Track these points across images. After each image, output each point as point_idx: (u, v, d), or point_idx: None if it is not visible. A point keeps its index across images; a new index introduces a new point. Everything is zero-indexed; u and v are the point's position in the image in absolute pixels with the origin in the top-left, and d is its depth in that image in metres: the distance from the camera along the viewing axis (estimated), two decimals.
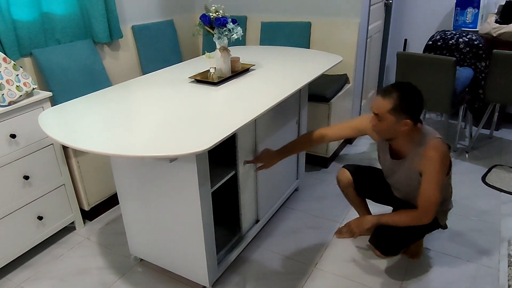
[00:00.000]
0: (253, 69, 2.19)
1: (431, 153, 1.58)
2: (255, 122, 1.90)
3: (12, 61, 1.94)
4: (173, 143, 1.35)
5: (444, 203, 1.81)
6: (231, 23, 1.96)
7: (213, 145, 1.31)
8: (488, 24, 3.07)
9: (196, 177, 1.54)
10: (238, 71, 2.10)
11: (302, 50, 2.67)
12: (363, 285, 1.87)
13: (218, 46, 2.00)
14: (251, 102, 1.69)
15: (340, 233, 1.79)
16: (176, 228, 1.75)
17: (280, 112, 2.12)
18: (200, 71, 2.13)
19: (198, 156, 1.50)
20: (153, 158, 1.33)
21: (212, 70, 2.01)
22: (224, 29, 1.94)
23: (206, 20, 1.95)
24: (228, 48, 2.03)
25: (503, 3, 3.14)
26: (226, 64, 2.04)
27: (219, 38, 1.97)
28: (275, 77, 2.03)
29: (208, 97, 1.79)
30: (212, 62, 2.04)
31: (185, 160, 1.53)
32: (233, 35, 1.97)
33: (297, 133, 2.39)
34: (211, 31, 1.98)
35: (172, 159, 1.49)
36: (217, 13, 1.95)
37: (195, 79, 2.02)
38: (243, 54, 2.52)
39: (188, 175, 1.56)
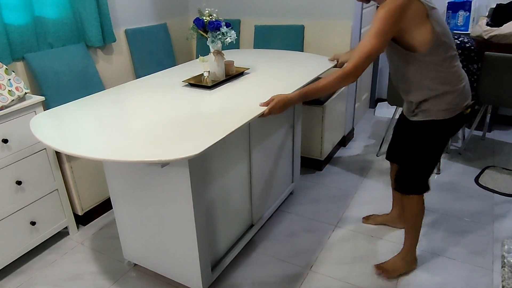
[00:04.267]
0: (247, 73, 2.19)
1: (387, 0, 1.43)
2: (249, 126, 1.90)
3: (4, 66, 1.93)
4: (164, 147, 1.34)
5: (442, 86, 1.57)
6: (224, 27, 1.95)
7: (204, 150, 1.30)
8: (480, 26, 3.10)
9: (189, 183, 1.53)
10: (232, 75, 2.10)
11: (296, 53, 2.68)
12: (358, 287, 1.87)
13: (212, 50, 2.00)
14: (245, 106, 1.68)
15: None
16: (169, 234, 1.73)
17: (275, 116, 2.12)
18: (194, 75, 2.12)
19: (191, 161, 1.49)
20: (144, 163, 1.31)
21: (205, 74, 2.01)
22: (218, 32, 1.94)
23: (199, 23, 1.95)
24: (222, 51, 2.03)
25: (494, 6, 3.17)
26: (220, 68, 2.04)
27: (212, 41, 1.97)
28: (270, 81, 2.03)
29: (201, 101, 1.79)
30: (205, 65, 2.03)
31: (178, 165, 1.52)
32: (226, 38, 1.96)
33: (292, 136, 2.39)
34: (204, 34, 1.98)
35: (164, 164, 1.48)
36: (210, 17, 1.95)
37: (189, 83, 2.02)
38: (238, 58, 2.51)
39: (181, 180, 1.55)
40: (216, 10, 2.00)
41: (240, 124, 1.49)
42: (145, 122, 1.56)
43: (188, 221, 1.63)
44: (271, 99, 1.60)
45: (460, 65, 1.62)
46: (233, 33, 1.98)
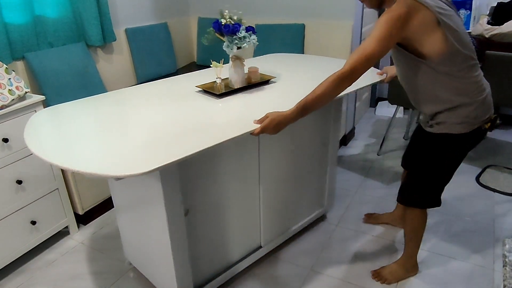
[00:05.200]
0: (273, 82, 1.98)
1: (392, 7, 1.35)
2: (258, 140, 1.72)
3: (4, 65, 1.92)
4: (128, 159, 1.26)
5: (457, 97, 1.46)
6: (243, 31, 1.77)
7: (155, 168, 1.17)
8: (480, 25, 3.09)
9: (162, 196, 1.41)
10: (255, 83, 1.92)
11: (328, 59, 2.43)
12: (359, 287, 1.87)
13: (230, 55, 1.85)
14: (242, 120, 1.49)
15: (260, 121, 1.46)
16: (152, 244, 1.68)
17: (297, 129, 1.85)
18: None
19: (163, 172, 1.37)
20: (93, 176, 1.19)
21: (218, 81, 1.86)
22: (234, 37, 1.78)
23: (216, 26, 1.80)
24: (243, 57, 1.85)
25: (495, 5, 3.17)
26: (238, 75, 1.85)
27: (228, 46, 1.80)
28: (294, 92, 1.81)
29: (202, 110, 1.64)
30: (218, 71, 1.86)
31: (151, 176, 1.40)
32: (244, 44, 1.78)
33: (324, 155, 2.10)
34: (222, 38, 1.81)
35: (118, 178, 1.31)
36: (229, 20, 1.78)
37: (203, 89, 1.86)
38: (267, 63, 2.29)
39: (155, 192, 1.44)
40: (240, 12, 1.81)
41: (217, 141, 1.33)
42: (135, 130, 1.47)
43: (164, 237, 1.52)
44: (266, 117, 1.43)
45: (482, 74, 1.51)
46: (253, 39, 1.80)
